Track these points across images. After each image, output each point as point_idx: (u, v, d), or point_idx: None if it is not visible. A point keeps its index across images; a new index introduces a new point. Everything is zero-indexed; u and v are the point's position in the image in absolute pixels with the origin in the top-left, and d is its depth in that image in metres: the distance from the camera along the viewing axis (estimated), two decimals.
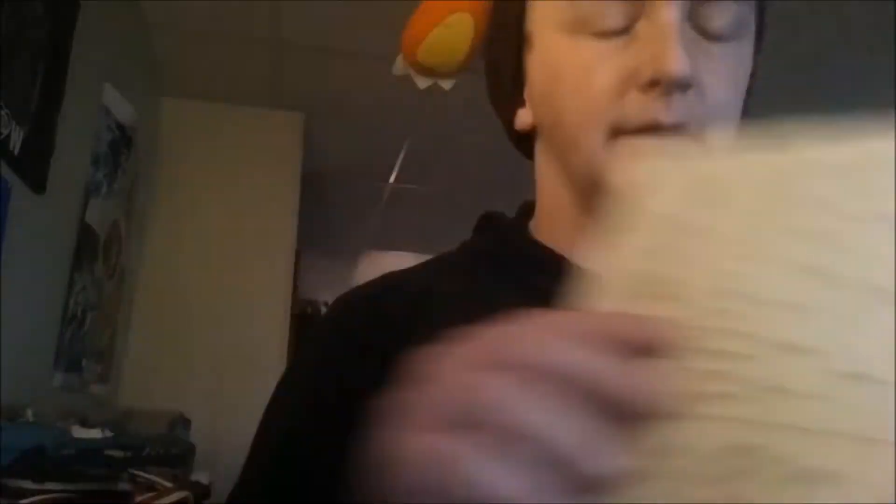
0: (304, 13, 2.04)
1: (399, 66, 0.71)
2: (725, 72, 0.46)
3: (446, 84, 1.57)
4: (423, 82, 0.71)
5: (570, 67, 0.46)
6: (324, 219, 3.68)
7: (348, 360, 0.48)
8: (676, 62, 0.41)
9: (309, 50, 2.24)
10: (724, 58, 0.45)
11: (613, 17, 0.44)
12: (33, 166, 1.40)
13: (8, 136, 1.26)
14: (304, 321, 5.14)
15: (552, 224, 0.53)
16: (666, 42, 0.42)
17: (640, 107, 0.43)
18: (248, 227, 2.49)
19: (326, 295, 5.53)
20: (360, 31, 2.09)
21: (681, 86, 0.42)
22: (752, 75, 0.50)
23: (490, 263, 0.54)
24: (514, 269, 0.52)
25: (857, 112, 0.29)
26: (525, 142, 0.56)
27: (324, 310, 5.92)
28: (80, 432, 1.28)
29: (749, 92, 0.49)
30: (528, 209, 0.58)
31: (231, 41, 2.20)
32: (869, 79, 2.24)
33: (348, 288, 0.56)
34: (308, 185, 2.75)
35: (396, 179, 3.22)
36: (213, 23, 2.10)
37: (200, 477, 1.49)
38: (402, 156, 2.97)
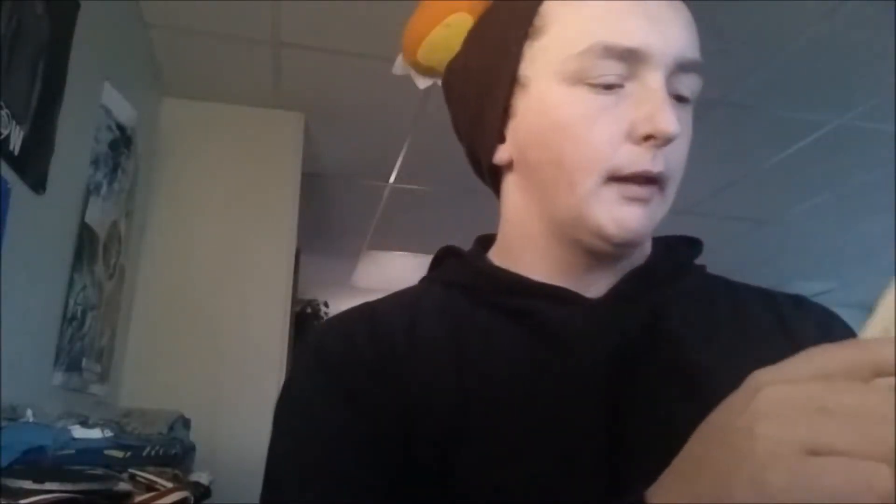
0: (304, 13, 2.04)
1: (399, 66, 0.71)
2: (686, 130, 0.54)
3: None
4: (423, 82, 0.71)
5: (570, 116, 0.52)
6: (324, 219, 3.68)
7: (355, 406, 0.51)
8: (671, 123, 0.49)
9: (309, 50, 2.24)
10: (685, 118, 0.53)
11: (609, 75, 0.51)
12: (33, 166, 1.40)
13: (8, 136, 1.26)
14: (303, 321, 5.14)
15: (520, 253, 0.59)
16: (660, 104, 0.50)
17: (632, 157, 0.51)
18: (248, 227, 2.48)
19: (326, 295, 5.53)
20: (360, 31, 2.09)
21: (670, 141, 0.50)
22: None
23: (461, 293, 0.58)
24: (485, 294, 0.57)
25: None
26: (494, 174, 0.61)
27: (324, 310, 5.82)
28: (80, 432, 1.28)
29: None
30: (484, 242, 0.64)
31: (231, 41, 2.20)
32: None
33: (347, 287, 0.59)
34: (308, 185, 2.75)
35: (396, 179, 3.22)
36: (213, 23, 2.10)
37: (200, 477, 1.48)
38: (402, 156, 2.97)
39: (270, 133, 2.60)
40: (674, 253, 0.60)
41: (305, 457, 0.51)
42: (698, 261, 0.61)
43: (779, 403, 0.31)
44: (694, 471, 0.34)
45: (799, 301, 0.60)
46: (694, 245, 0.62)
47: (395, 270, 4.79)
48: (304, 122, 2.64)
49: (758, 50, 2.12)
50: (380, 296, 0.62)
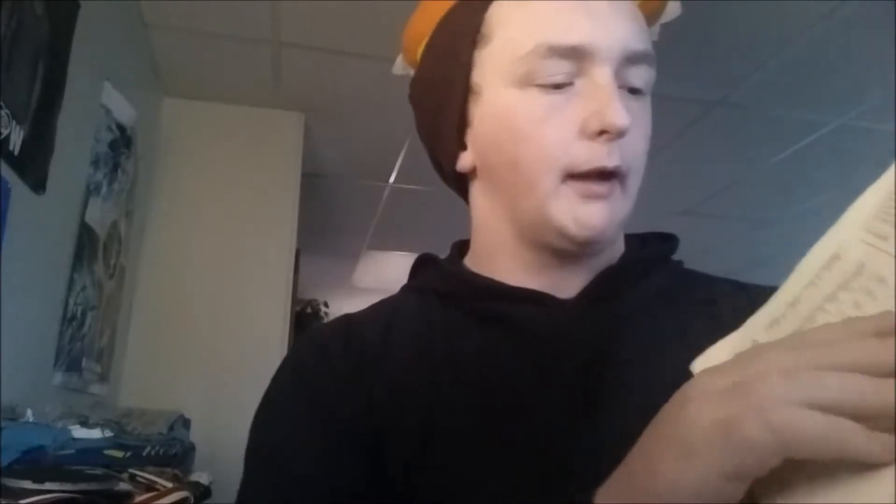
0: (304, 13, 2.04)
1: (399, 65, 0.71)
2: (642, 122, 0.54)
3: None
4: None
5: (522, 118, 0.53)
6: (324, 219, 3.68)
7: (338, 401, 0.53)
8: (621, 115, 0.49)
9: (309, 50, 2.24)
10: (641, 110, 0.54)
11: (557, 74, 0.51)
12: (33, 166, 1.40)
13: (8, 136, 1.26)
14: (303, 321, 5.14)
15: (492, 257, 0.59)
16: (608, 98, 0.50)
17: (587, 154, 0.51)
18: (248, 227, 2.48)
19: (326, 295, 5.53)
20: (360, 31, 2.09)
21: (622, 134, 0.50)
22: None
23: (438, 299, 0.59)
24: (460, 300, 0.57)
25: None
26: (460, 181, 0.62)
27: (324, 310, 5.81)
28: (80, 432, 1.28)
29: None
30: (461, 247, 0.64)
31: (231, 41, 2.20)
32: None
33: (347, 287, 0.61)
34: (308, 185, 2.75)
35: (396, 179, 3.22)
36: (213, 23, 2.10)
37: (200, 477, 1.48)
38: (402, 156, 2.97)
39: (270, 133, 2.60)
40: (647, 249, 0.61)
41: (272, 458, 0.53)
42: (679, 256, 0.61)
43: (702, 389, 0.34)
44: (634, 466, 0.36)
45: (772, 291, 0.60)
46: (668, 240, 0.61)
47: (394, 270, 4.79)
48: (304, 122, 2.63)
49: (758, 50, 2.12)
50: (380, 296, 0.63)
